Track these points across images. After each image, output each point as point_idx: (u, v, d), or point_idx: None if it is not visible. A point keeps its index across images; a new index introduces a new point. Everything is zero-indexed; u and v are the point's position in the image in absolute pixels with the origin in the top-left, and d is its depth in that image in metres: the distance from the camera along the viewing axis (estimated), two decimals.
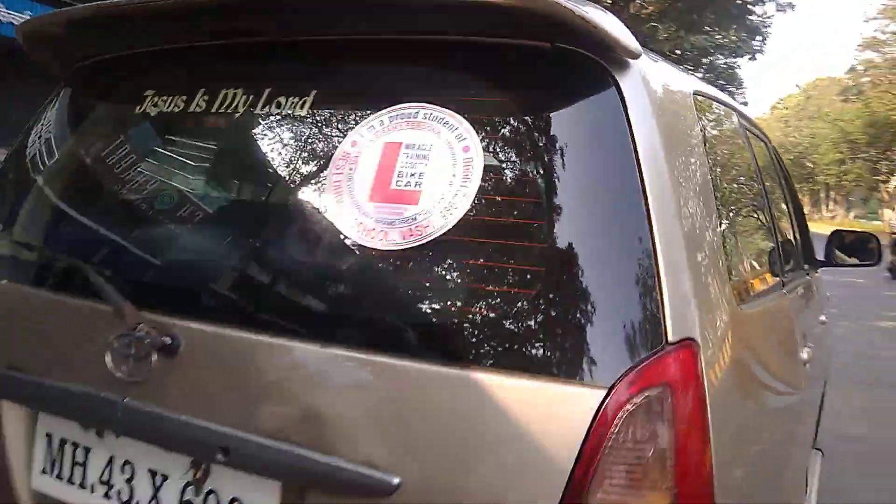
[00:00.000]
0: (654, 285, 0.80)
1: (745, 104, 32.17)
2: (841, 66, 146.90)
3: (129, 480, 0.98)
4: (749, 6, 23.42)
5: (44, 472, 1.04)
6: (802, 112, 54.30)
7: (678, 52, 25.15)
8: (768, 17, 26.53)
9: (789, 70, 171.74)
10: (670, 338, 0.79)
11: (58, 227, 1.17)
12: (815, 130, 49.25)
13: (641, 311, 0.80)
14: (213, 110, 1.04)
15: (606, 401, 0.76)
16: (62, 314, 1.06)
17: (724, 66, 29.17)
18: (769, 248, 1.59)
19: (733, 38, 24.74)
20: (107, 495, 0.99)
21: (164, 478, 0.95)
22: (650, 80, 0.95)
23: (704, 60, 28.79)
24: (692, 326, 0.82)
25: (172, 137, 1.13)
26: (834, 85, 51.60)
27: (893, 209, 48.84)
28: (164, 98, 1.08)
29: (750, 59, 27.01)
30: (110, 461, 0.99)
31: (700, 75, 31.78)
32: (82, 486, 1.01)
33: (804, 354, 1.53)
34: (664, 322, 0.79)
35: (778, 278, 1.51)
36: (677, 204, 0.86)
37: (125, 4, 1.01)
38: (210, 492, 0.92)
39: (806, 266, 2.20)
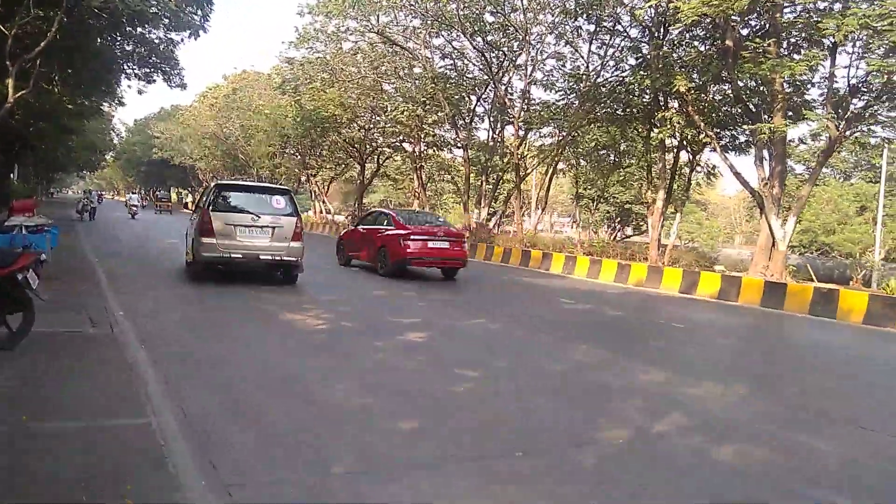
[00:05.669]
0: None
1: (184, 87, 28.56)
2: (266, 59, 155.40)
3: (253, 233, 12.39)
4: None
5: (240, 233, 12.28)
6: (233, 103, 54.01)
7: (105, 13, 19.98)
8: None
9: (211, 58, 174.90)
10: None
11: (233, 209, 12.62)
12: (251, 122, 49.21)
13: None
14: (246, 195, 13.30)
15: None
16: (240, 215, 12.41)
17: (160, 40, 24.70)
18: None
19: (173, 7, 20.63)
20: (246, 235, 12.37)
21: (258, 228, 12.45)
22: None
23: (140, 30, 23.92)
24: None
25: (239, 197, 13.08)
26: (261, 80, 52.73)
27: (322, 202, 53.51)
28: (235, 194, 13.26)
29: (192, 35, 23.08)
30: (251, 230, 12.37)
31: (130, 47, 26.48)
32: (250, 234, 12.40)
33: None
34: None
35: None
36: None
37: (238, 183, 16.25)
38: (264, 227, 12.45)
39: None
